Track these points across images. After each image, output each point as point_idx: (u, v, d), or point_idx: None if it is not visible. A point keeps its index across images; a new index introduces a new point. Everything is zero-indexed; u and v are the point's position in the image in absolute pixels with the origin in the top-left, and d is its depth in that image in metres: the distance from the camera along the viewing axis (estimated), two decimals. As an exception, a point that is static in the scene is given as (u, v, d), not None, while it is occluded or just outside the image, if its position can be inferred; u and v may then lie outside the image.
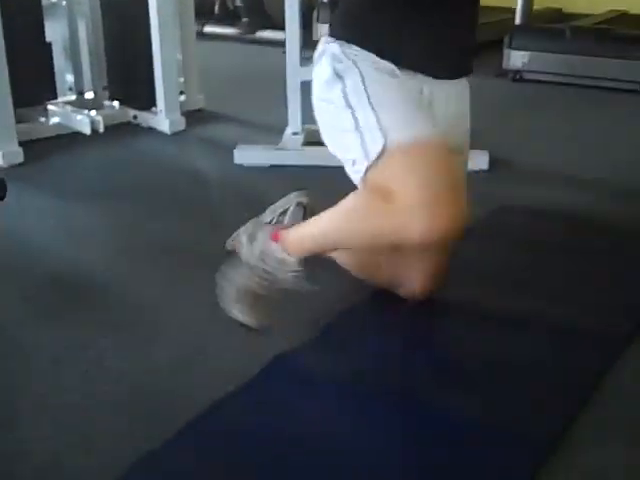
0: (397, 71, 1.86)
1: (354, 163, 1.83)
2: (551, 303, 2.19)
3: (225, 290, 2.02)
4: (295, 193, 2.13)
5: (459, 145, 2.06)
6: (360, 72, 1.84)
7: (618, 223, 2.78)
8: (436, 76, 1.94)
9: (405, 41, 1.88)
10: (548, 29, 5.16)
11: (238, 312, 1.99)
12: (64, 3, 4.10)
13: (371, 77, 1.84)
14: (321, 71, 1.93)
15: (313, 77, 1.99)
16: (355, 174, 1.85)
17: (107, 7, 3.98)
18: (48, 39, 3.88)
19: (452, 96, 2.02)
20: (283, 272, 1.98)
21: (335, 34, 1.93)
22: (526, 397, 1.80)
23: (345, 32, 1.91)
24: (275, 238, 2.01)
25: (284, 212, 2.10)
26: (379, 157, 1.76)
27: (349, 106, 1.84)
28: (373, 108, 1.81)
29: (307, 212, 2.08)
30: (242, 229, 2.12)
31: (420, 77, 1.92)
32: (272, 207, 2.14)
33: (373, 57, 1.86)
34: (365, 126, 1.80)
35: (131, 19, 3.89)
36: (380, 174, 1.78)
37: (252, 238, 2.06)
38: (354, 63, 1.86)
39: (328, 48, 1.92)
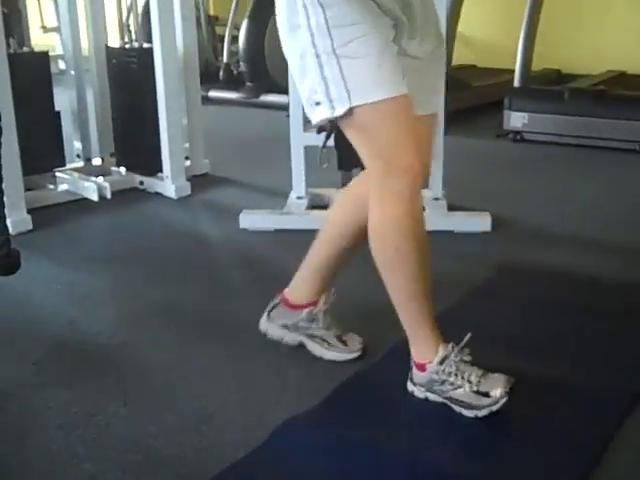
0: None
1: (317, 104, 1.85)
2: (553, 363, 2.20)
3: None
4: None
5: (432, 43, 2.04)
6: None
7: (618, 282, 2.81)
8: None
9: None
10: (547, 91, 5.25)
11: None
12: (72, 72, 4.20)
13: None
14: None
15: None
16: (313, 113, 1.88)
17: (114, 75, 4.08)
18: (57, 108, 3.98)
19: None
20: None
21: None
22: (536, 458, 1.80)
23: None
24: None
25: None
26: (344, 114, 1.82)
27: (314, 47, 1.82)
28: (338, 61, 1.80)
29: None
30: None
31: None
32: None
33: None
34: (330, 78, 1.81)
35: (137, 87, 3.97)
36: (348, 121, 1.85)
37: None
38: None
39: None
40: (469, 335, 2.00)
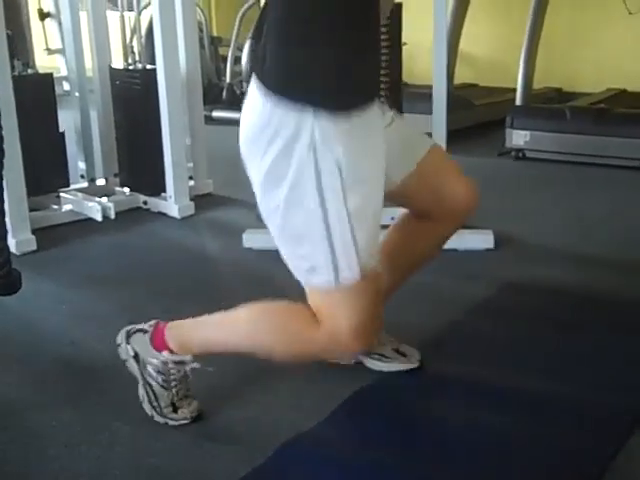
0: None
1: (312, 270, 1.78)
2: (555, 382, 2.21)
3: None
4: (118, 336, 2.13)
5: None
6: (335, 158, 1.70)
7: (620, 300, 2.81)
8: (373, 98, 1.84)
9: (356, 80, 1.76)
10: (548, 109, 5.27)
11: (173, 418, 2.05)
12: (77, 94, 4.24)
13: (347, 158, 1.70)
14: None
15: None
16: (304, 277, 1.80)
17: (118, 96, 4.11)
18: (61, 128, 4.01)
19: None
20: (181, 370, 2.03)
21: (283, 89, 1.70)
22: (538, 478, 1.80)
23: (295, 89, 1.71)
24: (159, 347, 2.03)
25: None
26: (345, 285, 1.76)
27: (322, 207, 1.71)
28: (352, 227, 1.73)
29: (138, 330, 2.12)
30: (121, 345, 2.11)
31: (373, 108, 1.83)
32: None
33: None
34: (339, 243, 1.73)
35: (141, 107, 4.00)
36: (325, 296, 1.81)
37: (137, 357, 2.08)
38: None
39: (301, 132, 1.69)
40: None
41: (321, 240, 1.73)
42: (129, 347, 2.06)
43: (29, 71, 3.88)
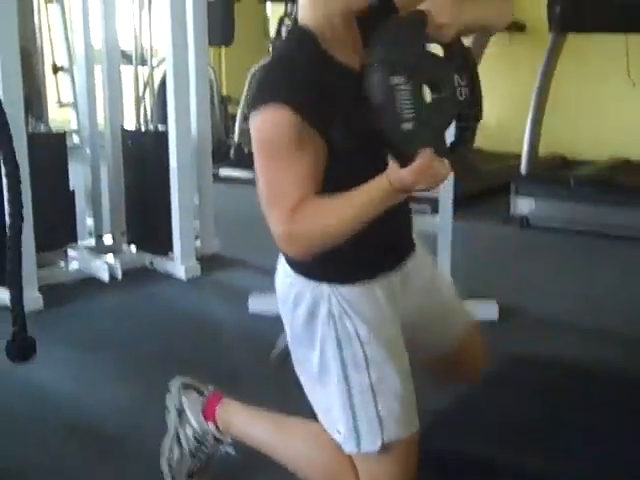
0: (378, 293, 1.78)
1: (339, 433, 1.76)
2: (559, 458, 2.20)
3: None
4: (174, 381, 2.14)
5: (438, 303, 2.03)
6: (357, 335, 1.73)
7: (624, 376, 2.81)
8: (395, 265, 1.86)
9: (375, 252, 1.78)
10: (553, 178, 5.32)
11: None
12: (88, 151, 4.28)
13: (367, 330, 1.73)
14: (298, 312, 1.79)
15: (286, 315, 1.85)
16: (333, 435, 1.78)
17: (129, 156, 4.16)
18: (71, 182, 4.05)
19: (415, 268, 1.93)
20: (216, 447, 2.03)
21: (311, 273, 1.77)
22: None
23: (322, 271, 1.77)
24: (207, 416, 2.03)
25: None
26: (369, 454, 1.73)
27: (344, 377, 1.73)
28: (373, 389, 1.73)
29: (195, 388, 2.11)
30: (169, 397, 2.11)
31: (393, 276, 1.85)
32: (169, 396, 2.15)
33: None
34: (361, 410, 1.73)
35: (151, 167, 4.06)
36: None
37: (181, 413, 2.07)
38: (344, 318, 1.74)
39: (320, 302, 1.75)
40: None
41: (344, 409, 1.74)
42: (181, 399, 2.07)
43: (43, 128, 3.94)
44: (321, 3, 1.64)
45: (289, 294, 1.79)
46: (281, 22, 6.46)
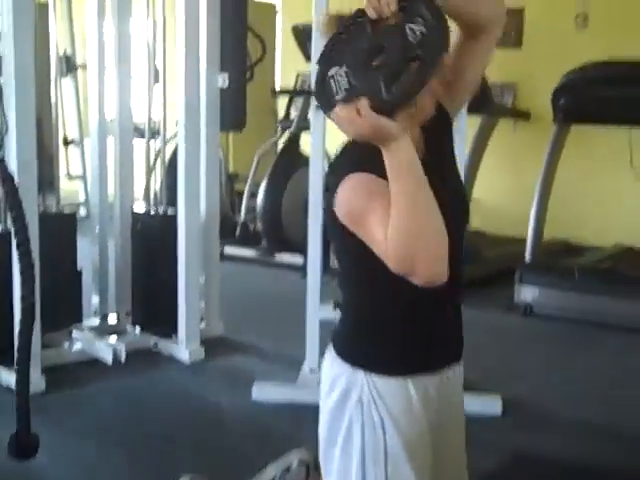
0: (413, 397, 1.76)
1: None
2: None
3: None
4: (296, 450, 2.14)
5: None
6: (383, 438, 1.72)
7: (621, 473, 2.80)
8: (446, 365, 1.85)
9: (417, 348, 1.78)
10: (557, 267, 5.35)
11: None
12: (97, 229, 4.31)
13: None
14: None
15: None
16: None
17: (137, 238, 4.19)
18: (79, 265, 4.08)
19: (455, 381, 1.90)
20: None
21: (349, 358, 1.77)
22: None
23: (359, 358, 1.77)
24: None
25: (287, 469, 2.10)
26: None
27: (362, 465, 1.71)
28: None
29: (310, 470, 2.09)
30: None
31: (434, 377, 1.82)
32: (274, 464, 2.14)
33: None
34: None
35: (159, 250, 4.09)
36: None
37: None
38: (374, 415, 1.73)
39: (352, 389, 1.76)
40: None
41: None
42: None
43: (54, 208, 3.98)
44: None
45: (327, 378, 1.78)
46: (290, 104, 6.58)
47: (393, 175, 1.54)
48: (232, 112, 4.02)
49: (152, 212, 4.20)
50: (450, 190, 1.76)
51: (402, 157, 1.54)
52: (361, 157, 1.66)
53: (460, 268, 1.77)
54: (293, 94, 6.34)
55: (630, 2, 6.39)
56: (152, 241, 4.12)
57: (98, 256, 4.32)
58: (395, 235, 1.54)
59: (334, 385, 1.76)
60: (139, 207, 4.30)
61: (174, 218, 3.98)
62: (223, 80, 4.03)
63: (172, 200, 4.16)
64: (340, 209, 1.66)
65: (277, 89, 7.44)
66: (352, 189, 1.63)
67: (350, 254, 1.76)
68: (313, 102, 3.60)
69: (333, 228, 1.71)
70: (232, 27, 4.05)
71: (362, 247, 1.64)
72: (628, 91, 5.06)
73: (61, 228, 3.94)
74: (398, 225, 1.54)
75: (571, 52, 6.35)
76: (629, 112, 5.10)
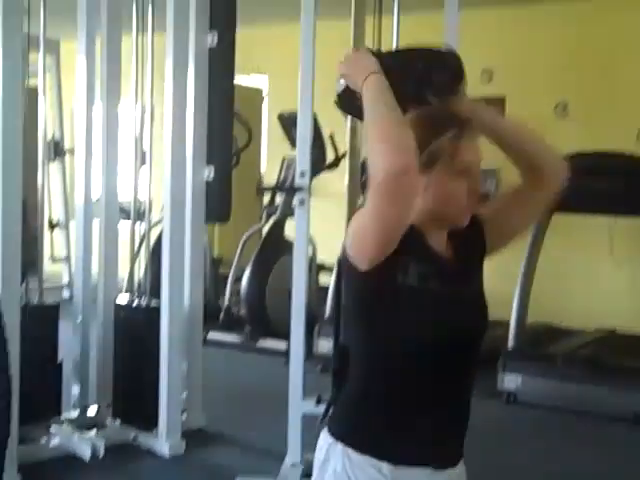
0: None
1: None
2: None
3: None
4: None
5: None
6: None
7: None
8: (436, 466, 1.84)
9: (401, 437, 1.79)
10: (540, 355, 5.36)
11: None
12: (80, 318, 4.29)
13: None
14: None
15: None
16: None
17: (120, 329, 4.18)
18: (60, 356, 4.05)
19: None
20: None
21: (333, 430, 1.84)
22: None
23: (341, 431, 1.82)
24: None
25: None
26: None
27: None
28: None
29: None
30: None
31: (417, 470, 1.82)
32: None
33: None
34: None
35: (142, 342, 4.08)
36: None
37: None
38: None
39: (330, 459, 1.82)
40: None
41: None
42: None
43: (36, 302, 3.98)
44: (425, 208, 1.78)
45: (317, 448, 1.84)
46: (274, 192, 6.66)
47: (368, 101, 1.68)
48: (217, 205, 4.06)
49: (135, 304, 4.20)
50: (470, 293, 1.86)
51: (377, 85, 1.68)
52: None
53: (472, 370, 1.83)
54: (277, 189, 6.42)
55: (608, 92, 6.56)
56: (135, 333, 4.11)
57: (80, 346, 4.29)
58: (371, 147, 1.64)
59: (319, 455, 1.82)
60: (122, 298, 4.30)
61: (157, 310, 3.98)
62: (209, 173, 4.09)
63: (156, 289, 4.17)
64: (347, 242, 1.72)
65: (262, 184, 7.61)
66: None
67: (359, 326, 1.80)
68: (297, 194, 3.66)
69: (347, 285, 1.79)
70: (219, 118, 4.12)
71: (373, 316, 1.74)
72: (606, 182, 5.17)
73: (43, 320, 3.94)
74: (373, 139, 1.64)
75: (552, 140, 6.45)
76: (608, 203, 5.20)
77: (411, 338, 1.77)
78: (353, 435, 1.79)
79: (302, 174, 3.61)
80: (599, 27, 6.60)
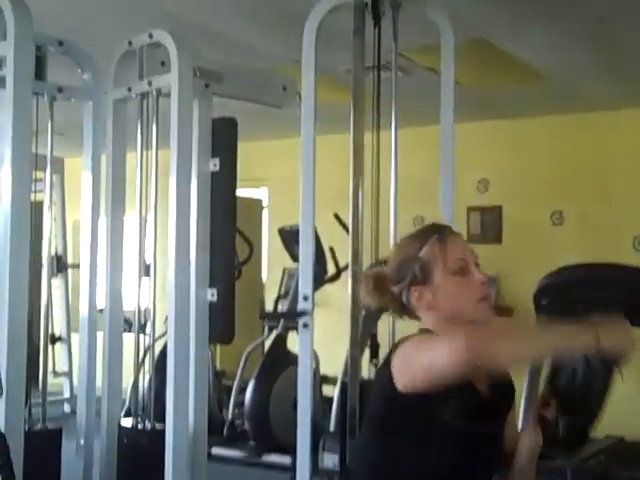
0: None
1: None
2: None
3: None
4: None
5: None
6: None
7: None
8: None
9: None
10: (550, 466, 5.27)
11: None
12: (82, 441, 4.24)
13: None
14: None
15: None
16: None
17: (123, 452, 4.10)
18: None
19: None
20: None
21: None
22: None
23: None
24: None
25: None
26: None
27: None
28: None
29: None
30: None
31: None
32: None
33: None
34: None
35: (146, 465, 4.00)
36: None
37: None
38: None
39: None
40: None
41: None
42: None
43: (38, 426, 3.94)
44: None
45: None
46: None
47: (560, 336, 1.72)
48: (221, 327, 4.07)
49: (139, 427, 4.15)
50: (499, 425, 1.92)
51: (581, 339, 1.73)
52: None
53: None
54: (281, 316, 6.43)
55: (602, 201, 6.67)
56: (139, 457, 4.04)
57: (82, 470, 4.22)
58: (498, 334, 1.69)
59: None
60: (126, 421, 4.25)
61: (162, 434, 3.92)
62: (212, 295, 4.11)
63: (160, 405, 4.11)
64: (396, 360, 1.76)
65: (264, 309, 7.68)
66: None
67: (376, 438, 1.86)
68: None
69: (379, 396, 1.84)
70: (221, 239, 4.15)
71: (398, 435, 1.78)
72: (605, 293, 5.18)
73: (46, 445, 3.89)
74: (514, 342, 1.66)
75: (549, 247, 6.56)
76: (611, 314, 5.19)
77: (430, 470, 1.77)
78: None
79: (305, 298, 3.63)
80: (593, 138, 6.78)
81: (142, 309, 4.38)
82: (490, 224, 6.65)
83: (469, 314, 1.88)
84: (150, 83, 3.91)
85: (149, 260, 4.36)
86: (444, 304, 1.89)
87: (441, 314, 1.90)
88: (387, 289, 1.95)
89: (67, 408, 6.08)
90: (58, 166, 6.50)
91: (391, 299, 1.96)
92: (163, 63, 3.81)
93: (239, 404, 6.49)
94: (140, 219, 4.37)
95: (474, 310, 1.90)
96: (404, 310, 1.98)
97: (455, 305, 1.89)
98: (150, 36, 3.85)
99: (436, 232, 1.93)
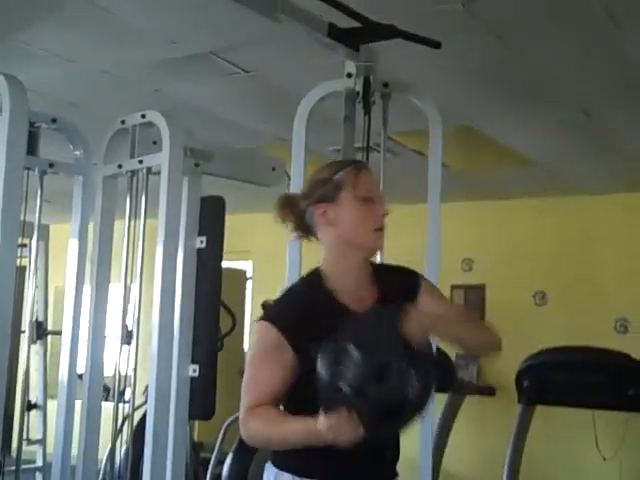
0: None
1: None
2: None
3: None
4: None
5: None
6: None
7: None
8: None
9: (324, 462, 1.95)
10: None
11: None
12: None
13: None
14: None
15: None
16: None
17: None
18: None
19: None
20: None
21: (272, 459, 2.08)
22: None
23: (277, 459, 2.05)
24: None
25: None
26: None
27: None
28: None
29: None
30: None
31: None
32: None
33: None
34: None
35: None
36: None
37: None
38: None
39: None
40: None
41: None
42: None
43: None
44: (336, 253, 2.04)
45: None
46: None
47: (303, 432, 1.81)
48: (201, 403, 4.03)
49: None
50: None
51: (318, 439, 1.77)
52: (281, 300, 2.11)
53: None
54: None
55: (585, 282, 6.73)
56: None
57: None
58: (259, 426, 1.94)
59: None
60: None
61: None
62: (194, 371, 4.05)
63: (136, 475, 4.04)
64: None
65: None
66: (252, 343, 2.17)
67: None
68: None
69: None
70: (205, 315, 4.12)
71: None
72: (586, 377, 5.21)
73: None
74: (268, 432, 1.91)
75: (532, 327, 6.58)
76: (589, 397, 5.22)
77: None
78: (300, 464, 1.98)
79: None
80: (576, 221, 6.87)
81: (122, 376, 4.34)
82: (473, 302, 6.67)
83: (363, 240, 2.03)
84: (141, 161, 3.94)
85: (131, 327, 4.34)
86: (343, 224, 2.02)
87: (339, 233, 2.02)
88: (294, 209, 2.08)
89: (39, 477, 5.93)
90: (43, 232, 6.48)
91: (297, 219, 2.09)
92: (155, 142, 3.85)
93: (216, 477, 6.37)
94: (125, 287, 4.36)
95: (368, 237, 2.04)
96: (308, 230, 2.11)
97: (353, 228, 2.02)
98: (143, 116, 3.89)
99: (354, 163, 2.10)
